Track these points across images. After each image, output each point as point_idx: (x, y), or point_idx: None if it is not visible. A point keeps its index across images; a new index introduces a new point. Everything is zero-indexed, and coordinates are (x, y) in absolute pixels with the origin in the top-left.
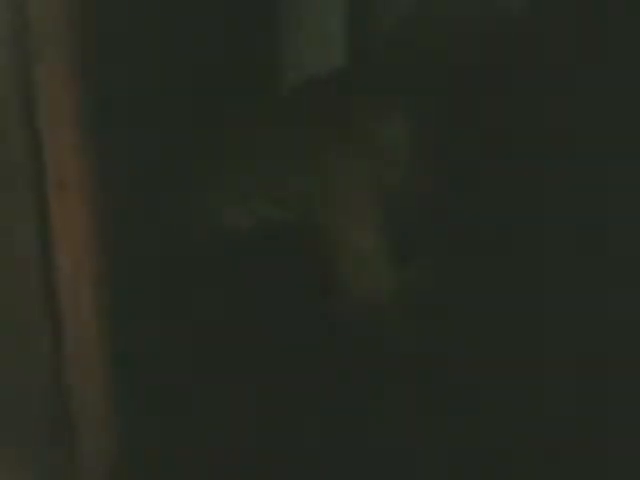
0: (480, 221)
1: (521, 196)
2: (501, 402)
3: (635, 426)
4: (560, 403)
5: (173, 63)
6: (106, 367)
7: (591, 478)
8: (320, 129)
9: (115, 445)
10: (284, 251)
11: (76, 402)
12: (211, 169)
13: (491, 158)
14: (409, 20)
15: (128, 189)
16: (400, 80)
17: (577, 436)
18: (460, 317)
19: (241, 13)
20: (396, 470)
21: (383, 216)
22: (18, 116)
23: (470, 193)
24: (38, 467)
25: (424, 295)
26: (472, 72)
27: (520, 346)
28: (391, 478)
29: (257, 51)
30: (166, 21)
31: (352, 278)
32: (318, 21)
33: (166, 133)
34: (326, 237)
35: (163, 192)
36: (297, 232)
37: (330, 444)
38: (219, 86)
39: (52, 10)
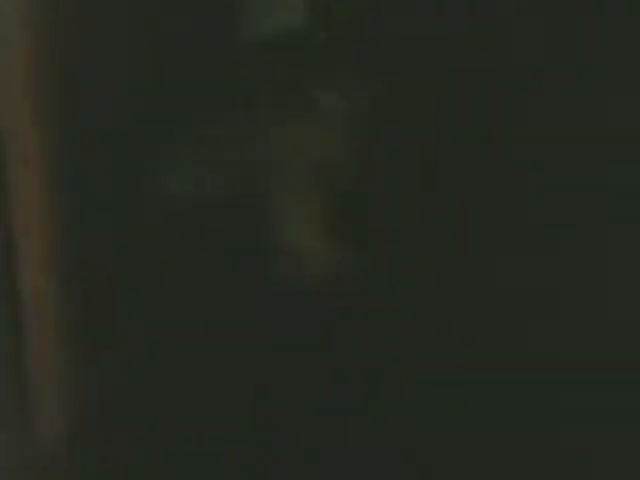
0: (425, 198)
1: (464, 170)
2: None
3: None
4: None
5: (129, 32)
6: (64, 333)
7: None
8: (267, 97)
9: (73, 413)
10: (226, 222)
11: (36, 369)
12: (161, 138)
13: (440, 135)
14: None
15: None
16: (357, 50)
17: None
18: (394, 296)
19: None
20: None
21: (325, 189)
22: None
23: (416, 170)
24: None
25: (362, 273)
26: (435, 50)
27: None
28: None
29: (216, 18)
30: None
31: (290, 248)
32: None
33: (123, 103)
34: (266, 206)
35: (117, 165)
36: (238, 202)
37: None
38: (176, 55)
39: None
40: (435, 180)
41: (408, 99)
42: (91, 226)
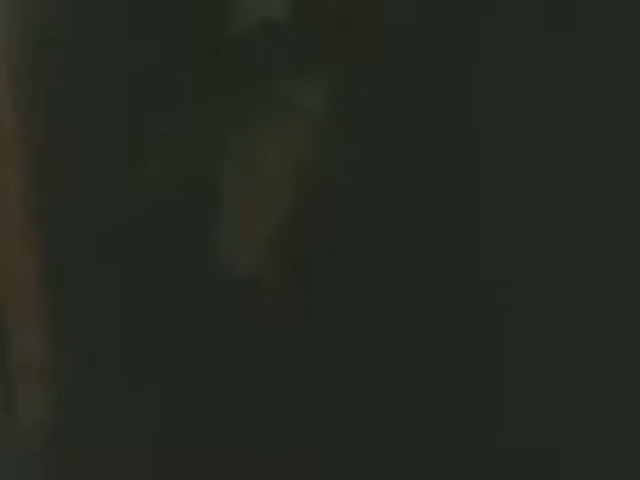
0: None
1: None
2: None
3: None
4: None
5: (107, 25)
6: (45, 320)
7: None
8: (239, 93)
9: (53, 400)
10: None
11: (14, 354)
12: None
13: (424, 138)
14: None
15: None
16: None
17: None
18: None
19: None
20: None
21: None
22: None
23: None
24: None
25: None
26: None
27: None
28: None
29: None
30: None
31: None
32: None
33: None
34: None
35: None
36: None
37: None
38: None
39: None
40: (417, 185)
41: (390, 99)
42: (74, 223)
